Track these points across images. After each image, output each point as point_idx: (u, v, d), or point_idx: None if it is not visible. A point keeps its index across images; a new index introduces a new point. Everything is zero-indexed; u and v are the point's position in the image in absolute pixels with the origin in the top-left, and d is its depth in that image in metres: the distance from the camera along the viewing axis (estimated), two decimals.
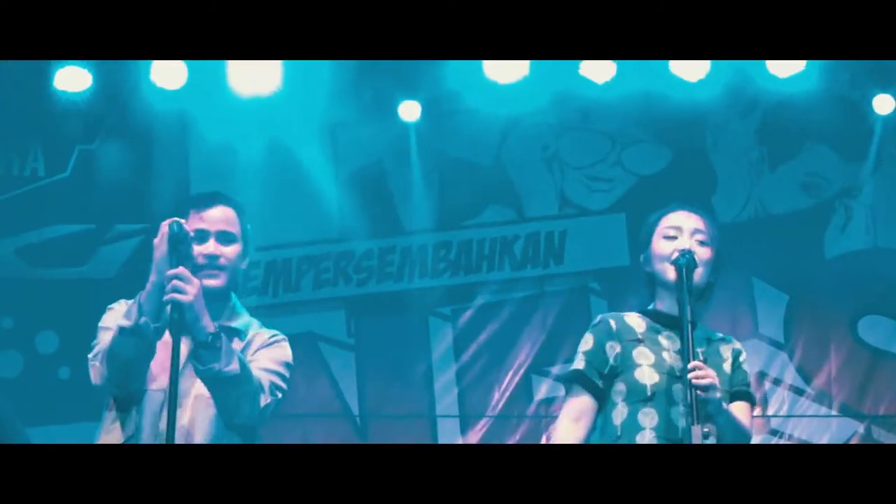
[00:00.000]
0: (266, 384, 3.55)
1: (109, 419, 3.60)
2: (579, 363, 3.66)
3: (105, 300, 3.65)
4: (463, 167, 6.75)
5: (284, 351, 3.72)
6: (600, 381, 3.61)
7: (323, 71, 6.03)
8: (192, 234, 3.42)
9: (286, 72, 6.12)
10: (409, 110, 6.45)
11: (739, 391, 3.70)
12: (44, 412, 5.99)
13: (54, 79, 6.02)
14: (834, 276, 6.58)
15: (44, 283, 6.26)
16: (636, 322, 3.66)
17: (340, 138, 6.72)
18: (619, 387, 3.61)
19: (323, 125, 6.57)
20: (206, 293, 3.46)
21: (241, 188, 5.98)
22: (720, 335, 3.77)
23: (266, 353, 3.66)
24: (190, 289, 3.31)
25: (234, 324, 3.64)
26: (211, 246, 3.57)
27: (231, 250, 3.62)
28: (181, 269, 3.33)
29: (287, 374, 3.70)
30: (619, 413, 3.60)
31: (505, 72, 6.08)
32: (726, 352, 3.72)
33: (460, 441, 6.59)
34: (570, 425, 3.65)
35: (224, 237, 3.61)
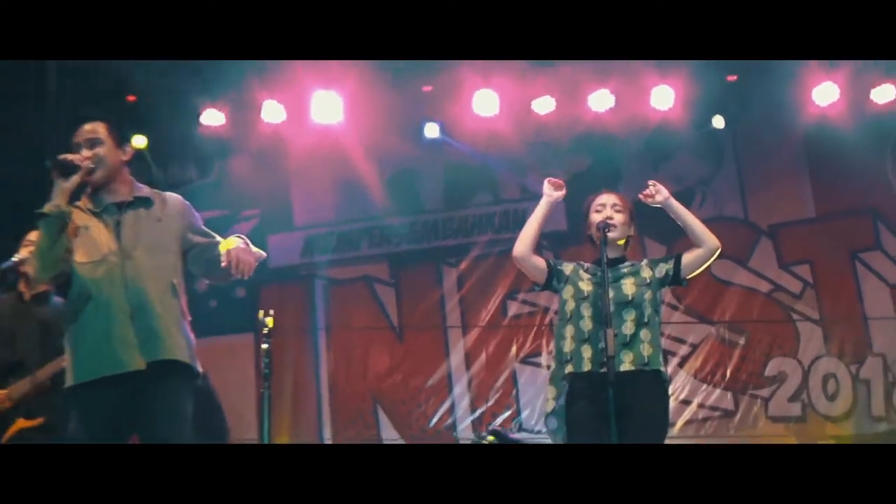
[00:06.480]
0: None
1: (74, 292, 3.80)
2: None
3: None
4: (462, 169, 7.91)
5: (189, 210, 4.01)
6: (554, 274, 4.33)
7: (374, 105, 7.21)
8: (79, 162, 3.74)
9: (345, 104, 7.27)
10: (432, 130, 7.71)
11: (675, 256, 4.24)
12: None
13: (200, 115, 7.35)
14: None
15: None
16: (568, 268, 4.41)
17: (384, 152, 7.87)
18: (556, 307, 4.33)
19: (371, 145, 7.77)
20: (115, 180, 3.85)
21: (323, 189, 7.62)
22: (645, 261, 4.37)
23: (186, 229, 3.95)
24: (248, 262, 3.75)
25: (141, 194, 3.96)
26: (86, 151, 3.88)
27: (99, 149, 3.88)
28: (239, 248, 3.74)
29: (204, 230, 4.01)
30: (554, 327, 4.38)
31: (485, 107, 7.35)
32: (645, 266, 4.32)
33: (461, 342, 7.71)
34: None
35: (90, 142, 3.90)
